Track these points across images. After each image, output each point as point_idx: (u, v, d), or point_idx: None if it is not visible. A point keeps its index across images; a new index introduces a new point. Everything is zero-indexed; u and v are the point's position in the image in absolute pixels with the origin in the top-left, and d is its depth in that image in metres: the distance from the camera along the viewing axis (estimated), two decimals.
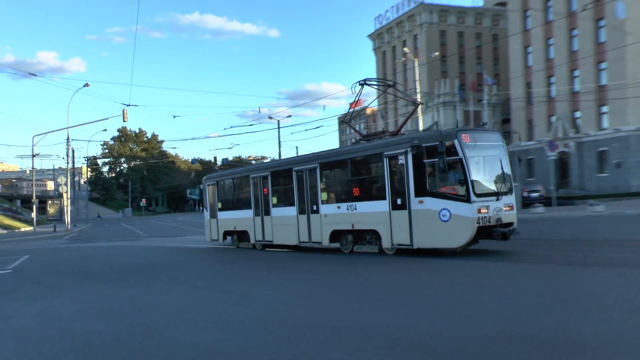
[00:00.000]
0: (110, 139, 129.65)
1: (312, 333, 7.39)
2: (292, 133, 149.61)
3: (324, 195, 19.01)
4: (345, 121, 21.73)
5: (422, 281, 12.02)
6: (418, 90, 50.71)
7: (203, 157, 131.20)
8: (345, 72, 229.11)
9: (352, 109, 22.88)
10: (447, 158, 14.35)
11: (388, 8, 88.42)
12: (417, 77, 49.75)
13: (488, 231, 14.77)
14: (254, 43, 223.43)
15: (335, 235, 18.65)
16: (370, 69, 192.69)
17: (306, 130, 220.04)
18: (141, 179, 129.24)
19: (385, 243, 16.57)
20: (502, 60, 71.37)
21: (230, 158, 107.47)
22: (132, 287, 13.49)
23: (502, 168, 15.64)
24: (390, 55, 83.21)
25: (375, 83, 21.24)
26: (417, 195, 15.35)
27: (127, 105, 41.84)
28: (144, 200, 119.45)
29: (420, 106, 51.24)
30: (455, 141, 14.62)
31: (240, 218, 23.75)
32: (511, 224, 15.34)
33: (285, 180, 21.05)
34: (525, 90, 61.53)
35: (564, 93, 56.27)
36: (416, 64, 50.48)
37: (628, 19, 47.55)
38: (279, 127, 62.70)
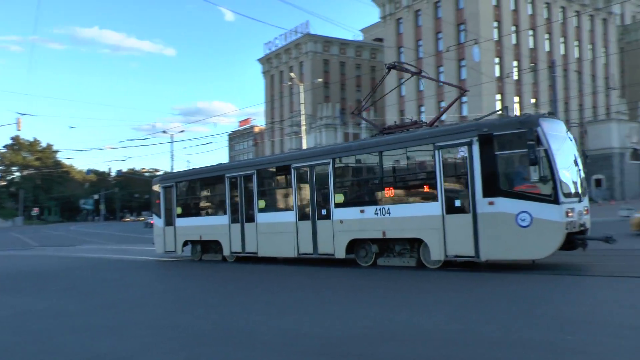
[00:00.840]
0: (3, 147, 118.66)
1: (205, 338, 6.88)
2: (184, 147, 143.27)
3: (339, 197, 14.51)
4: (354, 112, 17.17)
5: None
6: (302, 112, 50.21)
7: (98, 168, 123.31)
8: (236, 93, 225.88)
9: (368, 98, 17.21)
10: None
11: (277, 35, 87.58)
12: (302, 101, 49.22)
13: (569, 239, 11.27)
14: (150, 60, 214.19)
15: (350, 245, 14.40)
16: (259, 91, 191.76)
17: (197, 145, 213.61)
18: (34, 188, 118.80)
19: (436, 254, 12.43)
20: (379, 89, 72.31)
21: (125, 170, 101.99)
22: (26, 296, 12.06)
23: (577, 164, 12.30)
24: (278, 79, 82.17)
25: (405, 67, 16.45)
26: (486, 195, 11.53)
27: (22, 115, 37.38)
28: (36, 209, 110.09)
29: (303, 127, 51.23)
30: (539, 129, 11.03)
31: (210, 225, 18.44)
32: (587, 230, 12.16)
33: (280, 179, 16.60)
34: (399, 117, 62.68)
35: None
36: (301, 88, 49.89)
37: (482, 62, 49.83)
38: (172, 142, 60.15)
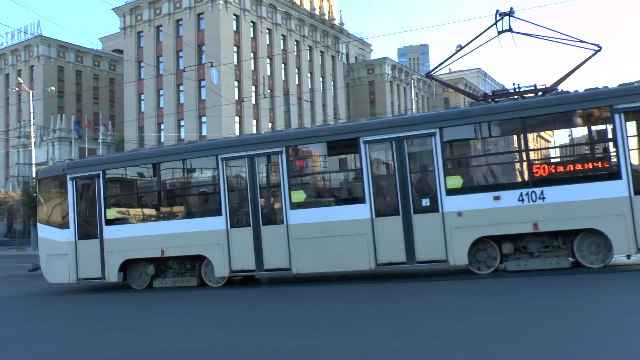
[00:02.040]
0: None
1: None
2: None
3: (454, 181, 10.81)
4: (429, 75, 12.99)
5: None
6: (32, 122, 45.23)
7: None
8: None
9: (447, 59, 12.63)
10: None
11: (2, 33, 77.32)
12: (32, 110, 44.33)
13: None
14: None
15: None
16: None
17: None
18: None
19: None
20: (118, 103, 68.44)
21: None
22: None
23: None
24: (3, 82, 72.47)
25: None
26: None
27: None
28: None
29: (33, 139, 45.81)
30: None
31: (185, 234, 12.45)
32: None
33: (335, 160, 12.77)
34: (138, 133, 60.13)
35: (172, 140, 56.65)
36: (31, 95, 45.08)
37: (222, 84, 50.69)
38: None
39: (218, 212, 12.22)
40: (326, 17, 70.22)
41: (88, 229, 13.64)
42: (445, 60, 12.39)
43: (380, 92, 76.03)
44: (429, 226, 10.80)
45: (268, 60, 59.40)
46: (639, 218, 9.75)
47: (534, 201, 10.25)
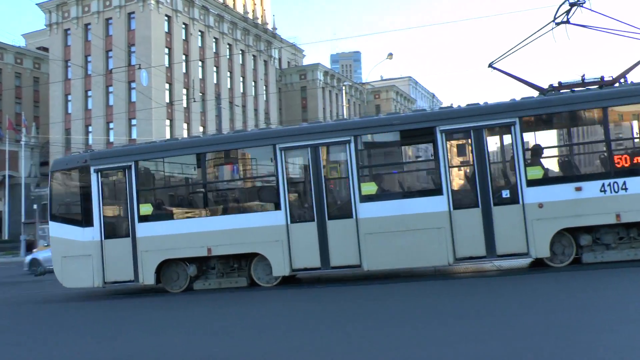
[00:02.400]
0: None
1: None
2: None
3: (535, 172, 10.50)
4: (491, 65, 12.22)
5: None
6: None
7: None
8: None
9: (508, 52, 12.06)
10: None
11: None
12: None
13: None
14: None
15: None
16: None
17: None
18: None
19: None
20: (43, 104, 66.15)
21: None
22: None
23: None
24: None
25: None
26: None
27: None
28: None
29: None
30: None
31: (236, 230, 11.42)
32: None
33: (409, 150, 12.51)
34: (65, 135, 58.61)
35: (101, 143, 55.62)
36: None
37: (152, 87, 50.38)
38: None
39: (276, 207, 11.42)
40: (259, 21, 70.93)
41: (117, 227, 12.42)
42: (510, 50, 12.23)
43: (312, 97, 77.37)
44: (509, 218, 10.52)
45: (200, 63, 59.39)
46: None
47: (617, 192, 10.13)
